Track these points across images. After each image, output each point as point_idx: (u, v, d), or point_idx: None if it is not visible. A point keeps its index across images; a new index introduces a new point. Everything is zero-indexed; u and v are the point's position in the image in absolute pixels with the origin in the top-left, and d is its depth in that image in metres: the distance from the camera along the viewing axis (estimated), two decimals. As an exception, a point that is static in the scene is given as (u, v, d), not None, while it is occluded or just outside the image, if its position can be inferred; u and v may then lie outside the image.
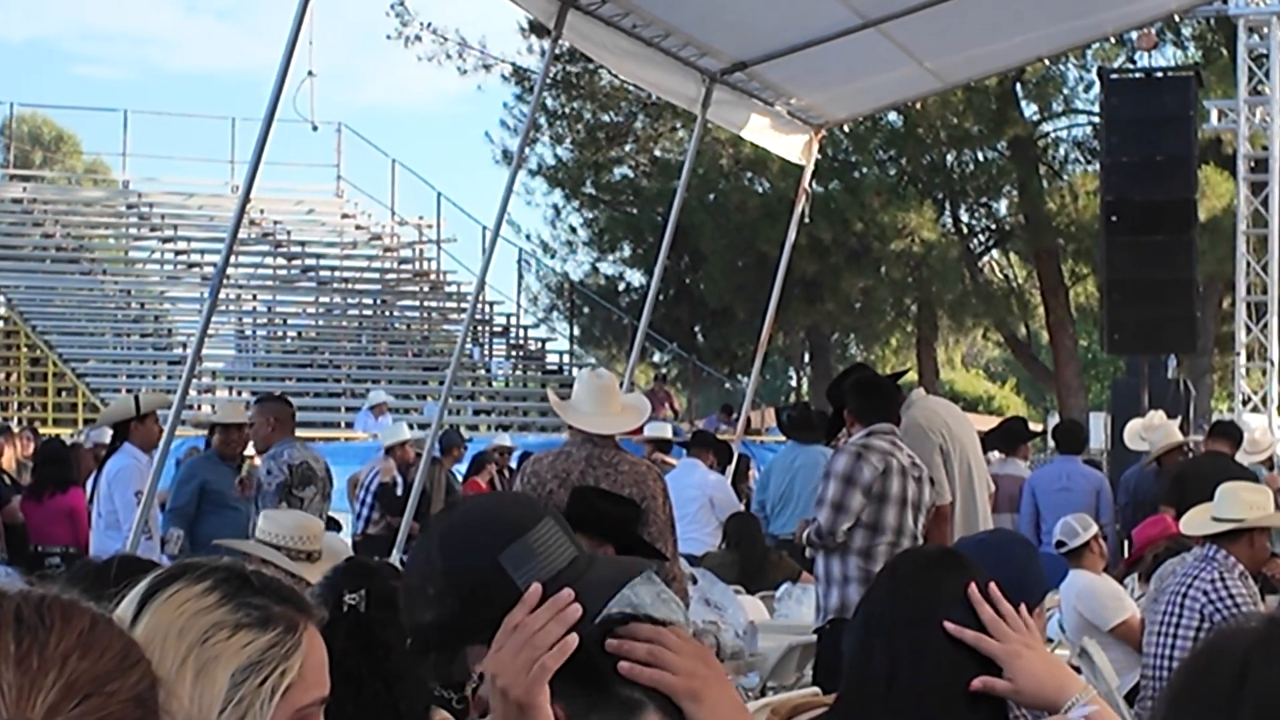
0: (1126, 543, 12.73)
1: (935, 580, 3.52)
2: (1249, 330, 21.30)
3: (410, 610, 2.78)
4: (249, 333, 36.97)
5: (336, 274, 39.05)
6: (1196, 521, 8.43)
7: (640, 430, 12.80)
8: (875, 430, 8.59)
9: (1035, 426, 20.76)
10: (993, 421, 29.88)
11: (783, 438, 17.28)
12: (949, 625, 3.39)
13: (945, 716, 3.41)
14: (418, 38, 37.29)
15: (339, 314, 38.08)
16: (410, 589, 2.79)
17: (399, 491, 16.69)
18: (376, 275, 39.73)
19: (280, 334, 37.59)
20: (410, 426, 20.38)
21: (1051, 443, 17.30)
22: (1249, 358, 21.44)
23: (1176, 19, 28.79)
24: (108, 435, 13.12)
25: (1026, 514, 14.71)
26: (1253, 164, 21.74)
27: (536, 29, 34.24)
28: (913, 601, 3.49)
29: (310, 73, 28.72)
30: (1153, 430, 14.48)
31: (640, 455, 17.08)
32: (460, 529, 2.78)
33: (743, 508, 15.07)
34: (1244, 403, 21.20)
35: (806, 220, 16.45)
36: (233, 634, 2.38)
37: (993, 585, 3.44)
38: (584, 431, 8.73)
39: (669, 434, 18.39)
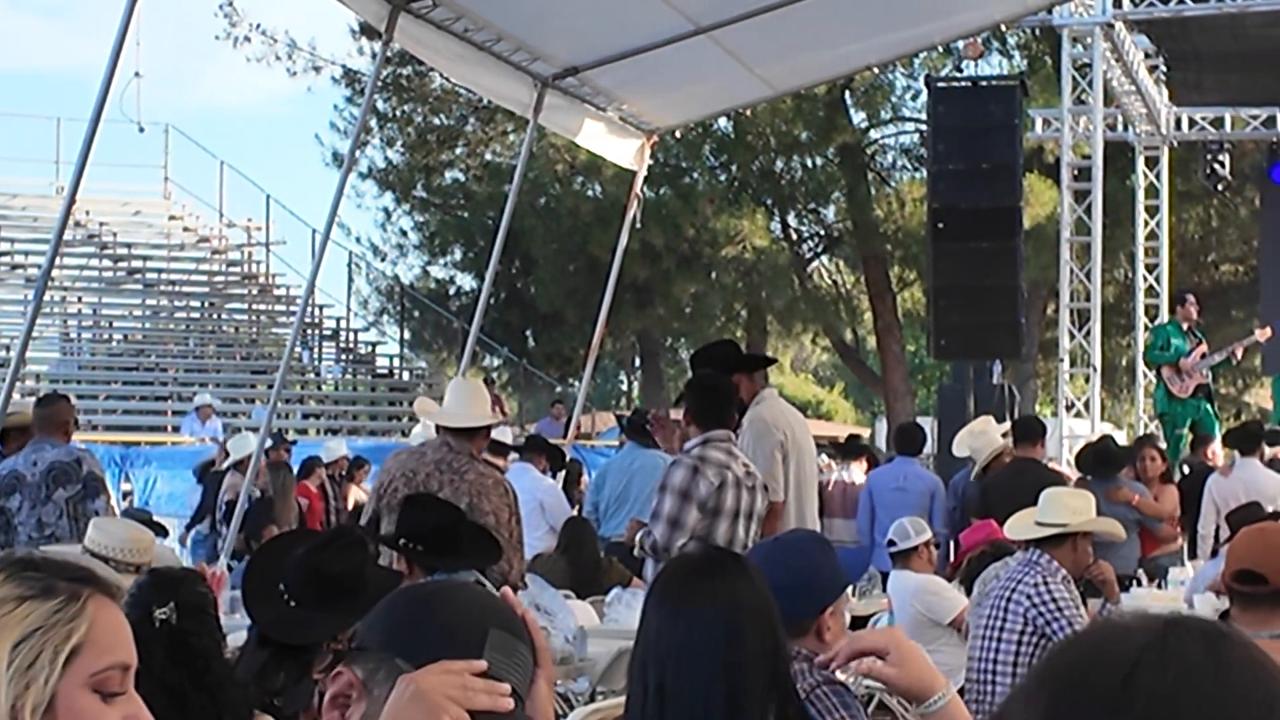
0: (954, 547, 12.91)
1: (688, 588, 3.53)
2: (1072, 336, 21.60)
3: (374, 616, 2.79)
4: (74, 335, 36.46)
5: (163, 276, 38.57)
6: (1020, 526, 8.55)
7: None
8: (711, 438, 8.53)
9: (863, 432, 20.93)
10: (822, 426, 30.02)
11: (614, 442, 17.33)
12: (835, 667, 3.43)
13: None
14: (247, 39, 36.99)
15: (166, 316, 37.63)
16: (394, 605, 2.80)
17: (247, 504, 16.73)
18: (204, 278, 39.32)
19: (106, 337, 37.06)
20: (239, 430, 20.22)
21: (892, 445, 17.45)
22: (1072, 364, 21.75)
23: (1002, 29, 29.19)
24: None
25: (864, 513, 14.89)
26: (1076, 172, 22.05)
27: (367, 31, 34.10)
28: (671, 630, 3.51)
29: (137, 74, 28.62)
30: (975, 437, 14.67)
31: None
32: (480, 593, 2.87)
33: (574, 512, 15.09)
34: (1068, 408, 21.51)
35: (638, 225, 16.49)
36: (15, 607, 2.40)
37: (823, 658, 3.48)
38: (447, 435, 8.91)
39: (509, 438, 18.41)
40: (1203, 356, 19.80)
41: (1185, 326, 20.07)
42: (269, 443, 18.49)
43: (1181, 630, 1.77)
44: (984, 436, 14.36)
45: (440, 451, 9.04)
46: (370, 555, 6.37)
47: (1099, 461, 14.72)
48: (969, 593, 10.18)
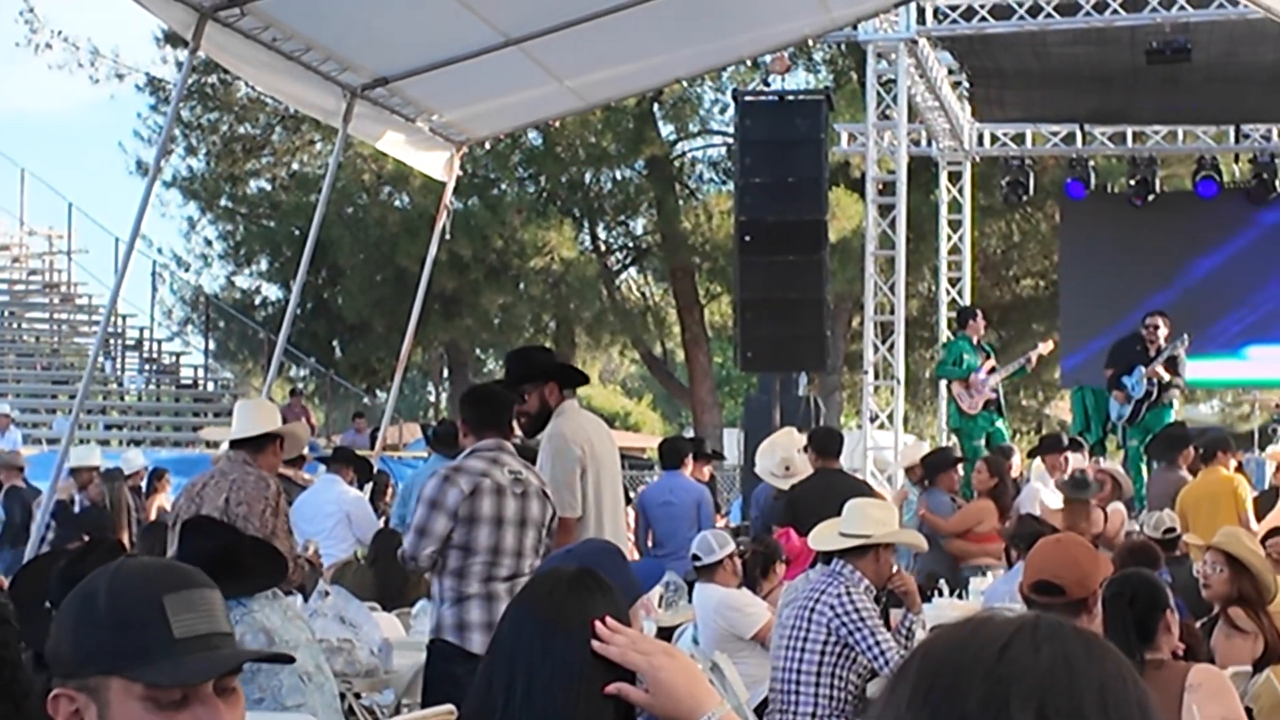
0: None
1: (555, 605, 3.54)
2: (877, 349, 21.78)
3: (55, 635, 2.75)
4: None
5: (-38, 285, 37.99)
6: (824, 537, 8.63)
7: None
8: (478, 448, 8.49)
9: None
10: (630, 437, 30.11)
11: (421, 453, 17.24)
12: (595, 644, 3.42)
13: None
14: (48, 45, 36.58)
15: (-36, 325, 37.04)
16: (64, 616, 2.76)
17: (76, 509, 16.57)
18: (4, 286, 38.71)
19: (-98, 346, 36.41)
20: (40, 442, 19.92)
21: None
22: (877, 376, 21.91)
23: (809, 44, 29.43)
24: None
25: (641, 527, 14.98)
26: (880, 186, 22.21)
27: (172, 39, 33.77)
28: (531, 627, 3.52)
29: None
30: (774, 448, 14.80)
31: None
32: (138, 566, 2.80)
33: (381, 524, 15.03)
34: (872, 419, 21.69)
35: (447, 236, 16.45)
36: None
37: (610, 619, 3.48)
38: (232, 448, 9.31)
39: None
40: (991, 371, 20.15)
41: (975, 341, 20.41)
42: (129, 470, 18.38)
43: (1052, 620, 1.85)
44: (781, 450, 14.52)
45: (221, 463, 9.43)
46: None
47: (925, 471, 15.07)
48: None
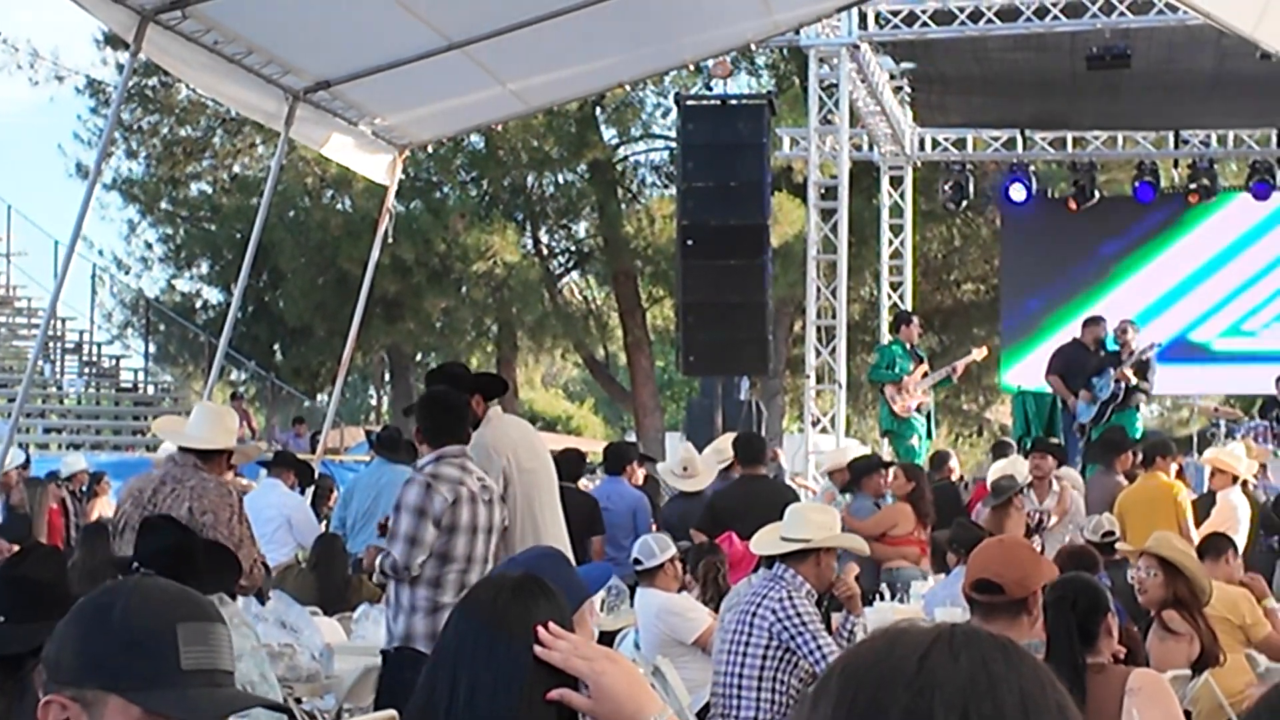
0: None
1: (499, 611, 3.55)
2: (819, 353, 21.82)
3: (59, 641, 2.75)
4: None
5: (-101, 287, 37.68)
6: (766, 541, 8.64)
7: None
8: (444, 455, 8.49)
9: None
10: (572, 441, 30.08)
11: (363, 457, 17.20)
12: (538, 649, 3.43)
13: None
14: (-13, 46, 36.39)
15: (-99, 329, 36.76)
16: (72, 624, 2.75)
17: (0, 517, 16.50)
18: (-58, 289, 38.45)
19: None
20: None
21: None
22: (819, 380, 21.95)
23: (752, 48, 29.48)
24: None
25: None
26: (823, 191, 22.28)
27: (113, 41, 33.62)
28: (474, 633, 3.53)
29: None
30: (719, 454, 14.81)
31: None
32: (157, 589, 2.81)
33: (323, 529, 14.98)
34: (814, 424, 21.73)
35: (389, 240, 16.42)
36: None
37: (553, 625, 3.49)
38: (177, 452, 9.22)
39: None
40: (924, 376, 20.22)
41: (908, 346, 20.47)
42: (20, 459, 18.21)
43: (969, 629, 1.88)
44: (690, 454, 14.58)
45: (166, 467, 9.24)
46: (68, 565, 6.28)
47: (850, 475, 15.11)
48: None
